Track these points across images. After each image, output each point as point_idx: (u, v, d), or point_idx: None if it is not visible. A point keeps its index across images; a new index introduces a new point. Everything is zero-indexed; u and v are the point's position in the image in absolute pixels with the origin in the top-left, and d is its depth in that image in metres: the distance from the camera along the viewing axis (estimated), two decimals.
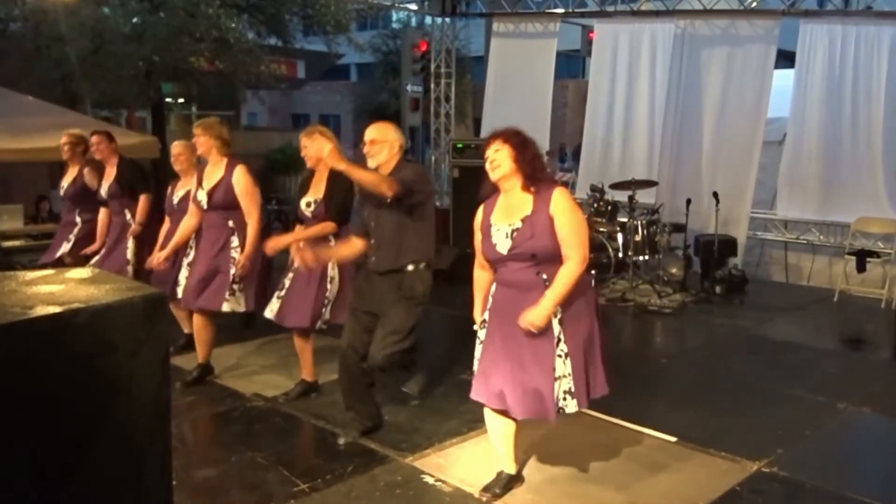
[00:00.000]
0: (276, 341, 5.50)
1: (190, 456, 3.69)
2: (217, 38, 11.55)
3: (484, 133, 9.90)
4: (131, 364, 1.62)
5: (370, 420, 4.03)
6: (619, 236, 7.43)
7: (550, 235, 3.01)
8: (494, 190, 3.22)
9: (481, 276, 3.34)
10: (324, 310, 4.27)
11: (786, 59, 8.42)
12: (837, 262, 7.77)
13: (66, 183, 5.78)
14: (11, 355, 1.41)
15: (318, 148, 4.00)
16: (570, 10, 9.50)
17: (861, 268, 7.34)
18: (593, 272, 7.12)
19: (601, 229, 7.45)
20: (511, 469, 3.42)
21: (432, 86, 10.88)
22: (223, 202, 4.48)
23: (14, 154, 7.65)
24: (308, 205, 4.20)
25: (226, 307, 4.53)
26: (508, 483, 3.40)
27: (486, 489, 3.38)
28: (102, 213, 5.56)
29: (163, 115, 14.37)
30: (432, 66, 10.76)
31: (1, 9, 11.28)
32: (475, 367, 3.27)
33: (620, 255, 7.30)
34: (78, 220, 5.72)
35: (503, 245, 3.07)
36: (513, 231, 3.06)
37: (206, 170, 4.58)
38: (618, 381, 4.62)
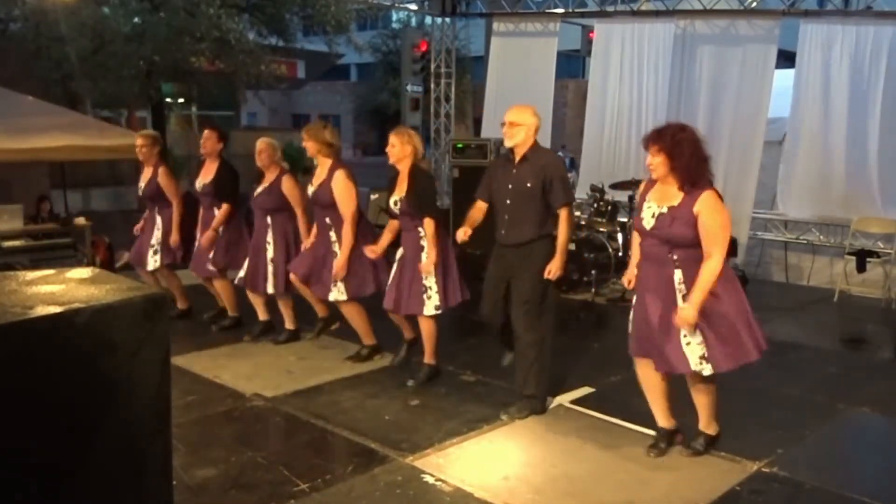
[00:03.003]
0: (276, 341, 5.49)
1: (190, 456, 3.68)
2: (217, 38, 11.55)
3: (484, 133, 9.86)
4: (131, 364, 1.62)
5: (540, 404, 4.28)
6: (619, 236, 7.42)
7: (688, 227, 3.36)
8: None
9: (636, 238, 3.75)
10: (423, 296, 4.55)
11: (786, 59, 8.41)
12: (837, 262, 7.76)
13: (143, 183, 5.91)
14: (12, 355, 1.41)
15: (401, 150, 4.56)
16: (570, 10, 9.48)
17: (861, 268, 7.33)
18: (593, 272, 7.11)
19: (601, 229, 7.44)
20: (666, 424, 3.75)
21: (432, 86, 10.87)
22: (321, 201, 4.93)
23: (14, 154, 7.62)
24: (395, 203, 4.62)
25: (331, 296, 4.98)
26: (668, 436, 3.75)
27: (652, 446, 3.73)
28: (203, 211, 5.75)
29: (163, 115, 14.39)
30: (432, 66, 10.75)
31: (1, 9, 11.29)
32: (630, 328, 3.68)
33: (620, 254, 7.29)
34: (158, 218, 5.88)
35: (648, 222, 3.49)
36: (658, 214, 3.45)
37: (317, 170, 5.03)
38: (618, 380, 4.67)
